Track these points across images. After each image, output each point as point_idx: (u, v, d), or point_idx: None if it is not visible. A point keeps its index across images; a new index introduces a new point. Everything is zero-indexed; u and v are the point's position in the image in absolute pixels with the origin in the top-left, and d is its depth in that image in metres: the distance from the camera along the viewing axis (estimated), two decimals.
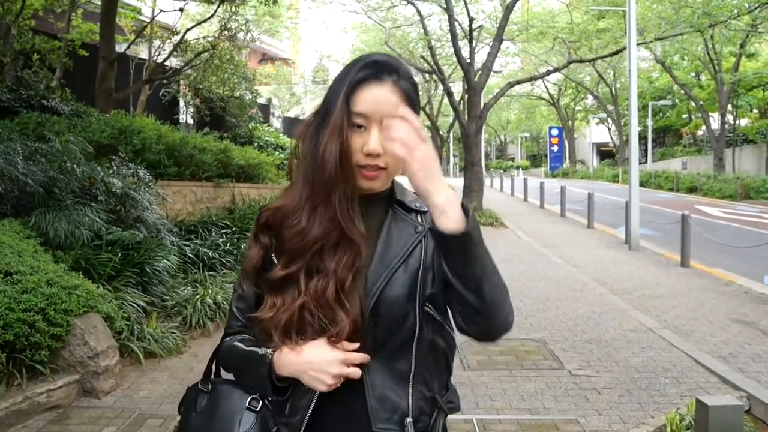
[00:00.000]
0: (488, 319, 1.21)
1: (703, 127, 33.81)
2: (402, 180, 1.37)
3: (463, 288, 1.18)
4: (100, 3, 11.19)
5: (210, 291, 6.31)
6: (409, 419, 1.26)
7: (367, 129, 1.24)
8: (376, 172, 1.26)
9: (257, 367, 1.27)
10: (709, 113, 31.69)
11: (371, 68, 1.25)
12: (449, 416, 1.36)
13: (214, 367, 1.44)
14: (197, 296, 6.14)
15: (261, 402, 1.30)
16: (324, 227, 1.25)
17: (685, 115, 38.76)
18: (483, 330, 1.24)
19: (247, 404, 1.31)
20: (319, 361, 1.22)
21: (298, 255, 1.26)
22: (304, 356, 1.23)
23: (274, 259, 1.30)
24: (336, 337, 1.23)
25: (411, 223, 1.32)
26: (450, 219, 1.13)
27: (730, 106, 30.13)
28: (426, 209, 1.34)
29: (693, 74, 34.90)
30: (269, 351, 1.26)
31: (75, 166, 6.16)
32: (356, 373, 1.23)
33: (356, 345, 1.23)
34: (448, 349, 1.34)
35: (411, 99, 1.26)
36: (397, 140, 1.13)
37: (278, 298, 1.27)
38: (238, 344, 1.34)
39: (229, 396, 1.34)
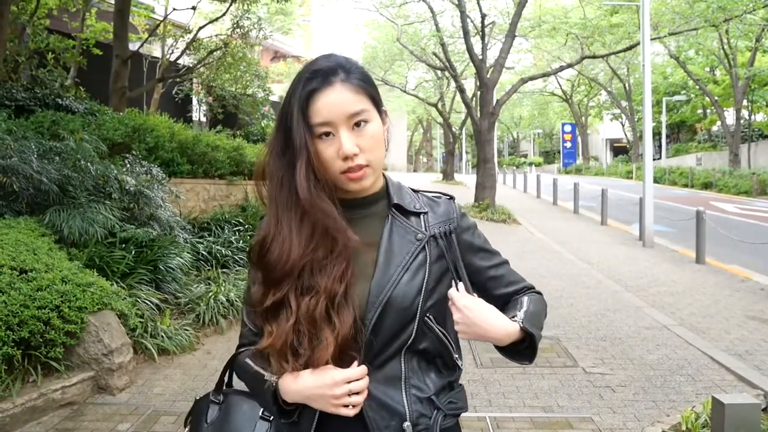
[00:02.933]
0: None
1: (718, 123, 33.48)
2: (398, 177, 1.35)
3: None
4: (113, 2, 11.26)
5: (223, 288, 6.34)
6: (407, 423, 1.23)
7: (335, 134, 1.22)
8: (361, 172, 1.24)
9: (264, 391, 1.26)
10: (724, 108, 31.37)
11: (315, 77, 1.23)
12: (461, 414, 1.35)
13: (226, 377, 1.43)
14: (210, 293, 6.18)
15: None
16: (303, 246, 1.23)
17: (699, 111, 38.40)
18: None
19: (260, 414, 1.32)
20: (320, 386, 1.19)
21: (284, 278, 1.24)
22: (304, 382, 1.20)
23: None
24: (319, 360, 1.19)
25: (411, 230, 1.30)
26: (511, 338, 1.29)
27: (745, 101, 29.80)
28: (426, 210, 1.33)
29: (708, 69, 34.53)
30: (274, 378, 1.24)
31: (89, 164, 6.20)
32: (358, 401, 1.20)
33: (358, 370, 1.20)
34: (442, 349, 1.31)
35: (365, 90, 1.25)
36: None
37: (273, 325, 1.24)
38: (249, 362, 1.32)
39: (241, 406, 1.35)
